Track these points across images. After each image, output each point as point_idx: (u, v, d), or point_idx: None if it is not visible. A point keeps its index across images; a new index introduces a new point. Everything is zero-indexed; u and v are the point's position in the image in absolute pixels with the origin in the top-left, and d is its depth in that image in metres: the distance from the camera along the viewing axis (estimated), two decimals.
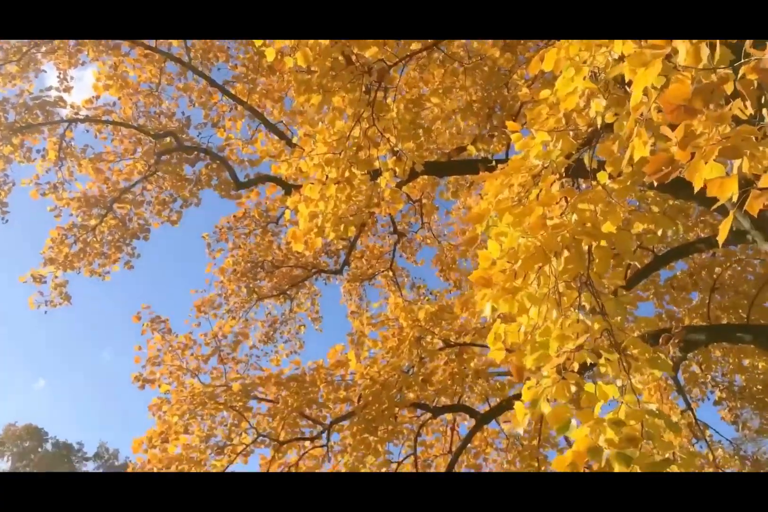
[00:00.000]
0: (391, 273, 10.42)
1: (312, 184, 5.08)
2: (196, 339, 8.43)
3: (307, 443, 7.73)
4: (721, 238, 2.61)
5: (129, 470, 7.23)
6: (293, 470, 7.74)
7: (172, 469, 7.14)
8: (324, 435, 7.55)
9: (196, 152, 9.25)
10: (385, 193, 5.35)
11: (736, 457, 9.10)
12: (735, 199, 2.32)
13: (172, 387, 7.89)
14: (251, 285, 10.47)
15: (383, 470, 7.49)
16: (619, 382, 2.93)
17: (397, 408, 6.80)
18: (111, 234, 9.17)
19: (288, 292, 11.05)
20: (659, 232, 3.96)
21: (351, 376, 7.42)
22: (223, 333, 8.44)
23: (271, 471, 7.63)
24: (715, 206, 3.15)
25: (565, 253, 3.04)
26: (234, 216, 10.52)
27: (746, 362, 8.26)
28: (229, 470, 7.42)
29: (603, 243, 3.13)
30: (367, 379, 6.87)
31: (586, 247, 3.12)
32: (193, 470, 7.27)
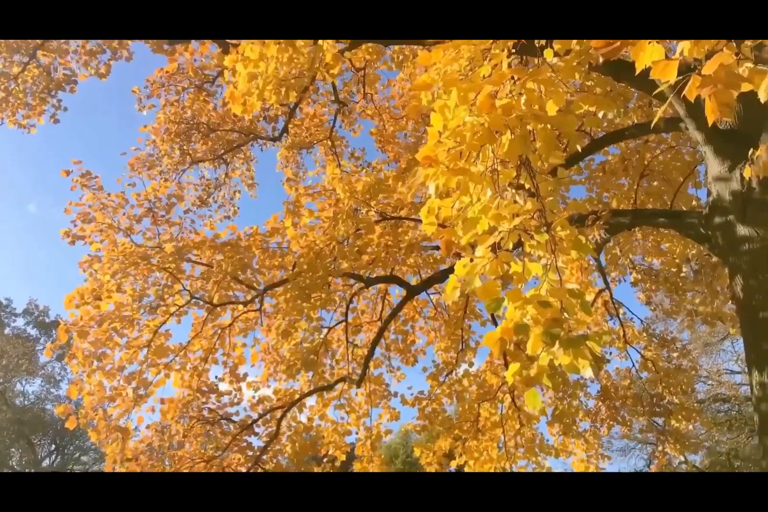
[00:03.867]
0: (330, 143, 10.24)
1: (252, 43, 4.79)
2: (128, 199, 8.22)
3: (241, 306, 7.94)
4: (655, 120, 2.66)
5: (60, 326, 7.29)
6: (226, 331, 8.02)
7: (104, 326, 7.25)
8: (257, 300, 7.75)
9: None
10: (327, 57, 5.11)
11: (644, 334, 9.87)
12: (674, 82, 2.36)
13: (103, 245, 7.80)
14: (185, 148, 10.12)
15: (314, 335, 7.85)
16: (544, 261, 3.07)
17: (330, 277, 6.99)
18: (35, 83, 8.56)
19: (223, 157, 10.77)
20: (600, 114, 3.99)
21: (286, 245, 7.49)
22: (156, 194, 8.23)
23: (203, 331, 7.90)
24: (656, 90, 3.18)
25: (509, 135, 3.04)
26: (166, 71, 9.88)
27: (665, 246, 8.72)
28: (162, 329, 7.61)
29: (547, 126, 3.13)
30: (302, 247, 6.95)
31: (530, 129, 3.12)
32: (125, 328, 7.41)
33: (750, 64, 2.40)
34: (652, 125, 2.82)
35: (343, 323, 8.42)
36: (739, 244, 4.70)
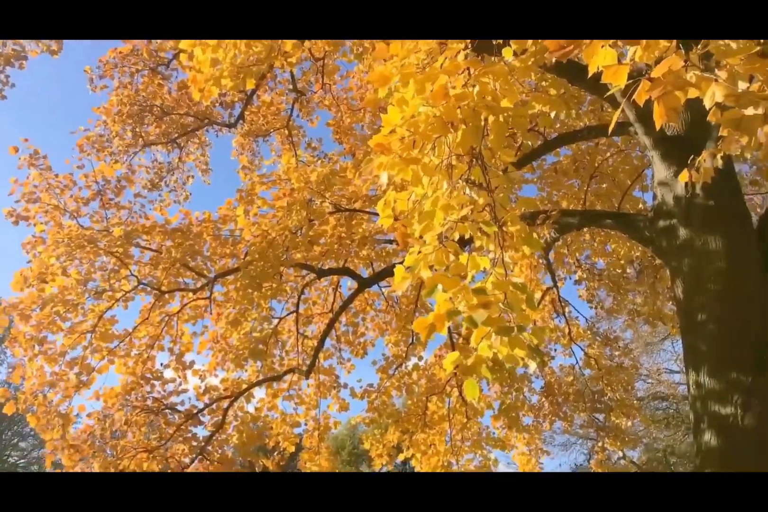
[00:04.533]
0: (286, 132, 10.14)
1: None
2: (76, 181, 8.00)
3: (190, 294, 7.84)
4: (611, 125, 2.73)
5: (1, 306, 7.08)
6: (174, 319, 7.91)
7: (46, 310, 7.08)
8: (207, 288, 7.66)
9: None
10: (286, 45, 5.06)
11: (589, 333, 10.12)
12: (624, 87, 2.42)
13: (48, 227, 7.58)
14: (137, 130, 9.88)
15: (264, 325, 7.80)
16: (492, 255, 3.12)
17: (282, 267, 6.94)
18: None
19: (177, 141, 10.55)
20: (552, 114, 4.06)
21: (239, 233, 7.41)
22: (105, 176, 8.02)
23: (150, 318, 7.77)
24: (607, 94, 3.25)
25: (463, 126, 3.08)
26: (120, 51, 9.63)
27: (611, 247, 8.96)
28: (107, 315, 7.46)
29: (501, 118, 3.17)
30: (254, 236, 6.89)
31: (483, 122, 3.16)
32: (69, 312, 7.24)
33: (697, 71, 2.48)
34: (610, 131, 2.88)
35: (294, 314, 8.39)
36: (682, 248, 4.85)
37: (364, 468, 33.94)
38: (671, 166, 4.85)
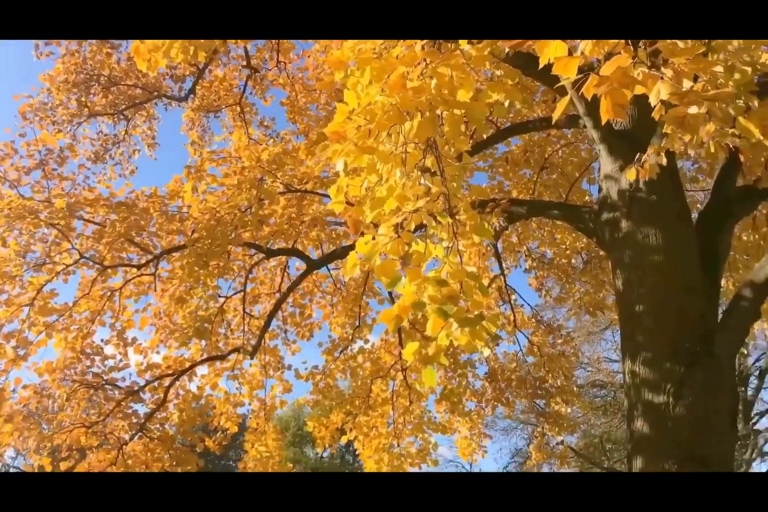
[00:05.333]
0: (239, 109, 9.93)
1: None
2: (18, 149, 7.70)
3: (134, 270, 7.68)
4: (556, 115, 2.77)
5: None
6: (116, 294, 7.74)
7: None
8: (152, 264, 7.51)
9: None
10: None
11: (533, 321, 10.32)
12: (575, 80, 2.46)
13: None
14: (83, 99, 9.52)
15: (210, 303, 7.70)
16: (445, 244, 3.15)
17: (230, 246, 6.85)
18: None
19: (124, 112, 10.21)
20: (507, 104, 4.09)
21: (187, 210, 7.27)
22: (48, 145, 7.74)
23: (92, 293, 7.58)
24: (557, 85, 3.30)
25: (419, 117, 3.08)
26: None
27: (558, 237, 9.14)
28: (46, 288, 7.26)
29: (457, 111, 3.18)
30: (202, 213, 6.77)
31: (439, 112, 3.17)
32: (6, 284, 7.03)
33: (644, 69, 2.52)
34: (554, 121, 2.92)
35: (241, 293, 8.31)
36: (623, 240, 4.97)
37: (308, 450, 34.11)
38: (617, 160, 4.95)
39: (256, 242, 7.30)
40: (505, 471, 26.81)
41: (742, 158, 4.31)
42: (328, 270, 8.97)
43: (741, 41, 3.33)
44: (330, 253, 7.82)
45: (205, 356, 8.18)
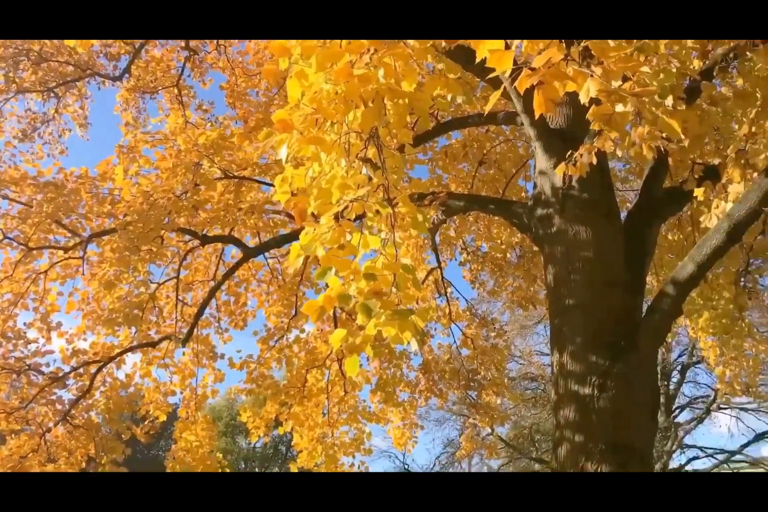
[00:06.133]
0: (176, 91, 9.65)
1: None
2: None
3: (61, 252, 7.40)
4: (488, 106, 2.81)
5: None
6: (41, 277, 7.46)
7: None
8: (81, 247, 7.25)
9: None
10: None
11: (468, 314, 10.47)
12: (513, 77, 2.50)
13: None
14: (10, 74, 9.06)
15: (141, 289, 7.50)
16: (383, 235, 3.15)
17: (163, 231, 6.68)
18: None
19: (54, 90, 9.78)
20: (449, 97, 4.12)
21: (119, 193, 7.03)
22: None
23: (15, 274, 7.29)
24: (490, 76, 3.33)
25: (364, 106, 3.06)
26: None
27: (494, 232, 9.30)
28: None
29: (402, 101, 3.18)
30: (134, 196, 6.56)
31: (384, 102, 3.16)
32: None
33: (576, 66, 2.58)
34: (485, 112, 2.97)
35: (174, 280, 8.12)
36: (555, 236, 5.11)
37: (241, 440, 33.81)
38: (552, 158, 5.07)
39: (191, 228, 7.14)
40: (436, 461, 27.29)
41: (670, 161, 4.48)
42: (265, 258, 8.86)
43: (671, 45, 3.45)
44: (267, 241, 7.71)
45: (135, 343, 7.98)
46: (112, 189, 7.11)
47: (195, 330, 8.06)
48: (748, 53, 3.93)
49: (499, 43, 2.48)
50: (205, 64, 9.89)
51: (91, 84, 10.19)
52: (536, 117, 2.49)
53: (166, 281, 8.27)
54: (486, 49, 2.49)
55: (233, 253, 8.89)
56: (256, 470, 35.02)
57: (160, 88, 9.87)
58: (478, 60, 2.57)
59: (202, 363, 8.74)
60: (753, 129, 4.11)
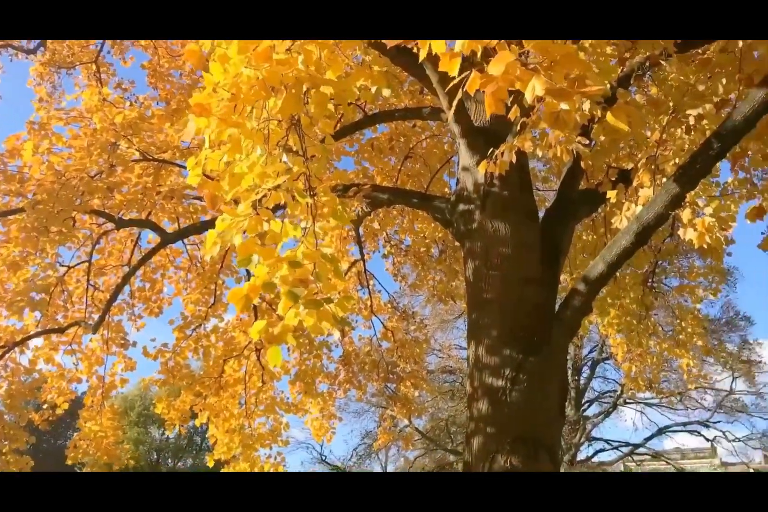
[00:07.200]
0: (94, 67, 9.24)
1: None
2: None
3: None
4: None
5: None
6: None
7: None
8: None
9: None
10: None
11: (389, 306, 10.53)
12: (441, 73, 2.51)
13: None
14: None
15: (49, 272, 7.16)
16: (303, 224, 3.12)
17: (75, 212, 6.38)
18: None
19: None
20: (374, 90, 4.12)
21: (29, 171, 6.66)
22: None
23: None
24: (439, 66, 3.33)
25: (285, 93, 3.01)
26: None
27: (418, 226, 9.38)
28: None
29: (323, 90, 3.14)
30: (44, 175, 6.23)
31: (305, 90, 3.11)
32: None
33: (520, 66, 2.60)
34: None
35: (86, 263, 7.79)
36: (475, 232, 5.20)
37: (154, 430, 32.99)
38: (475, 155, 5.15)
39: (106, 210, 6.86)
40: (354, 452, 27.46)
41: (582, 164, 4.63)
42: (184, 245, 8.63)
43: (593, 51, 3.56)
44: (187, 228, 7.50)
45: (40, 328, 7.62)
46: (21, 166, 6.73)
47: (107, 316, 7.77)
48: (662, 62, 4.10)
49: (440, 45, 2.49)
50: (126, 41, 9.48)
51: (3, 55, 9.60)
52: (488, 115, 2.50)
53: (76, 265, 7.93)
54: (428, 49, 2.49)
55: (150, 238, 8.60)
56: (169, 461, 34.29)
57: (78, 63, 9.40)
58: (420, 60, 2.56)
59: (112, 350, 8.43)
60: (664, 136, 4.29)
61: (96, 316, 7.57)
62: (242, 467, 8.51)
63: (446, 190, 8.61)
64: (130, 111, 6.54)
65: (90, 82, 9.25)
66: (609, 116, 2.99)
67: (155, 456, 34.18)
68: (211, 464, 8.88)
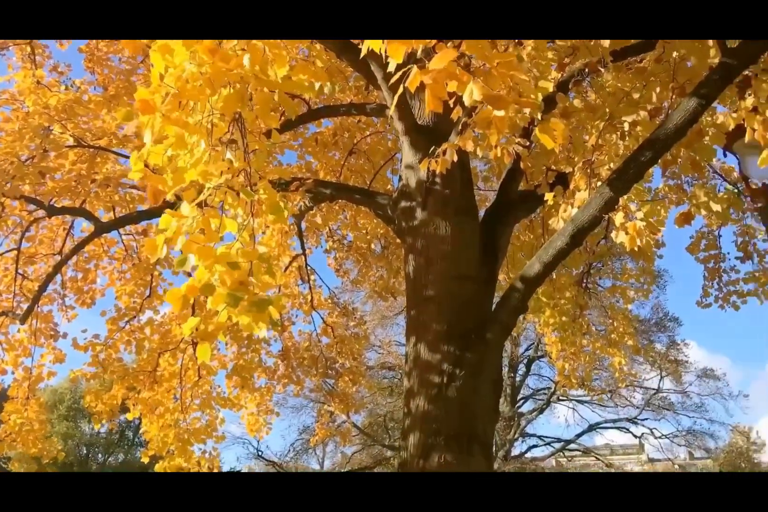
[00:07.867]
0: (29, 49, 8.86)
1: None
2: None
3: None
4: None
5: None
6: None
7: None
8: None
9: None
10: None
11: (330, 302, 10.51)
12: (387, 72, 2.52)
13: None
14: None
15: None
16: (240, 220, 3.08)
17: (4, 198, 6.13)
18: None
19: None
20: (316, 86, 4.10)
21: None
22: None
23: None
24: (362, 55, 3.33)
25: (228, 89, 2.98)
26: None
27: (360, 222, 9.38)
28: None
29: (267, 90, 3.13)
30: None
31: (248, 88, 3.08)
32: None
33: (460, 68, 2.62)
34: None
35: (14, 251, 7.50)
36: (417, 229, 5.25)
37: (84, 424, 32.02)
38: (418, 153, 5.19)
39: (37, 197, 6.60)
40: (291, 448, 27.33)
41: (522, 165, 4.73)
42: (120, 234, 8.39)
43: (534, 56, 3.63)
44: (122, 217, 7.30)
45: None
46: None
47: (36, 306, 7.50)
48: (600, 69, 4.22)
49: (378, 43, 2.50)
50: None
51: None
52: (427, 112, 2.52)
53: (5, 252, 7.64)
54: (376, 43, 2.49)
55: (84, 226, 8.31)
56: (99, 456, 33.40)
57: (11, 43, 8.99)
58: (362, 55, 2.56)
59: (40, 342, 8.13)
60: (599, 141, 4.42)
61: (25, 306, 7.30)
62: (177, 462, 8.36)
63: (389, 186, 8.63)
64: (65, 94, 6.31)
65: (24, 64, 8.84)
66: (537, 132, 3.07)
67: (85, 451, 33.21)
68: (146, 460, 8.69)
